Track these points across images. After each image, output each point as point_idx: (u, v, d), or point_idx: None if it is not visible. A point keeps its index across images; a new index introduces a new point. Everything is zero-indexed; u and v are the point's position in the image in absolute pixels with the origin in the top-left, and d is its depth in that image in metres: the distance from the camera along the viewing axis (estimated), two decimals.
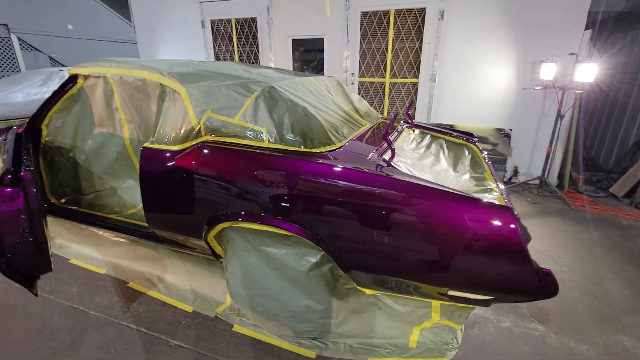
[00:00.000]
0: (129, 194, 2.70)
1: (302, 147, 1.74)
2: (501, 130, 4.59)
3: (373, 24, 4.87)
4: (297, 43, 5.41)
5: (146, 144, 1.92)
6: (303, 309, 1.81)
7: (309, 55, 5.62)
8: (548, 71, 3.86)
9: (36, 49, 10.79)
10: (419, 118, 4.97)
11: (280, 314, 1.87)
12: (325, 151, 1.75)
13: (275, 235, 1.72)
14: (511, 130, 4.55)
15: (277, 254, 1.74)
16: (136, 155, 2.54)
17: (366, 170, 1.58)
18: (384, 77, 5.04)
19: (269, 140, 1.75)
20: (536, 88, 4.07)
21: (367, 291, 1.78)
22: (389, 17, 4.75)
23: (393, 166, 1.70)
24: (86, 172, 2.66)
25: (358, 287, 1.76)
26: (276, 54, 5.50)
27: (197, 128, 1.83)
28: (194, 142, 1.83)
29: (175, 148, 1.87)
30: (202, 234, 1.87)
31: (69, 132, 2.53)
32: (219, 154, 1.75)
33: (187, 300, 2.27)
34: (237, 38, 5.69)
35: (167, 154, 1.86)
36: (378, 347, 1.91)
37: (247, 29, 5.56)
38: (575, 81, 3.67)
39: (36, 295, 1.76)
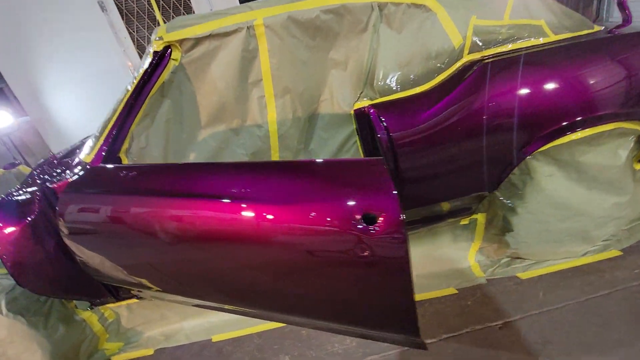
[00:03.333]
0: None
1: (588, 28, 1.48)
2: None
3: None
4: None
5: (362, 104, 1.35)
6: (609, 210, 1.65)
7: None
8: None
9: None
10: None
11: (581, 230, 1.67)
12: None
13: (596, 137, 1.47)
14: None
15: (592, 158, 1.51)
16: (282, 145, 1.71)
17: None
18: None
19: (552, 32, 1.43)
20: None
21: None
22: None
23: None
24: None
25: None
26: None
27: (460, 47, 1.35)
28: (452, 71, 1.36)
29: (424, 89, 1.36)
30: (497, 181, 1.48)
31: (157, 149, 1.56)
32: (527, 64, 1.34)
33: (431, 286, 1.83)
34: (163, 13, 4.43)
35: (414, 101, 1.35)
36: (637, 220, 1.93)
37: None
38: None
39: None
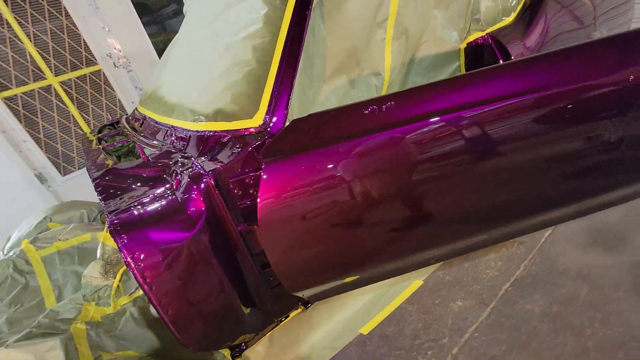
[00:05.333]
0: None
1: None
2: None
3: None
4: None
5: (473, 37, 1.55)
6: None
7: None
8: None
9: None
10: (130, 108, 3.84)
11: None
12: None
13: None
14: None
15: None
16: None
17: None
18: (44, 79, 3.32)
19: None
20: None
21: None
22: None
23: None
24: None
25: None
26: None
27: None
28: (524, 2, 1.71)
29: (514, 17, 1.67)
30: None
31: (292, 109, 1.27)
32: None
33: None
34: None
35: (516, 26, 1.64)
36: None
37: None
38: None
39: None
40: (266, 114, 1.01)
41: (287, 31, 1.07)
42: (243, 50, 1.12)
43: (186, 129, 1.14)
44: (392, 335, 1.57)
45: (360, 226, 0.98)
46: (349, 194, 0.93)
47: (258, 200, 0.88)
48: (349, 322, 1.65)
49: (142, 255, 0.81)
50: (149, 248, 0.82)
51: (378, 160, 0.93)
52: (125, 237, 0.81)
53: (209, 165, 0.95)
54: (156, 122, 1.37)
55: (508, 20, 1.63)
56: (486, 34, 1.55)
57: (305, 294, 1.14)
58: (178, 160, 1.02)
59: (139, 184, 0.99)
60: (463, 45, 1.64)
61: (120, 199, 0.94)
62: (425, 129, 0.93)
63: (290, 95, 1.04)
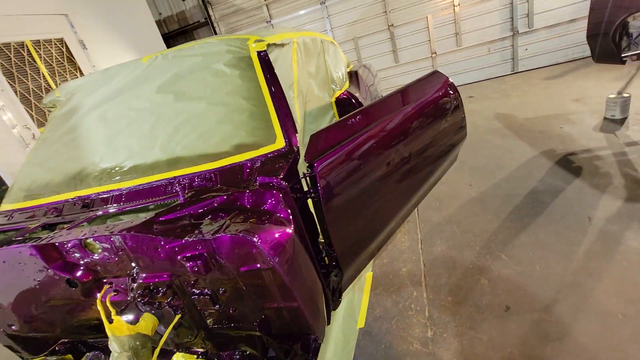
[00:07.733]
0: None
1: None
2: None
3: (11, 60, 3.74)
4: None
5: (337, 94, 2.45)
6: None
7: None
8: None
9: None
10: None
11: None
12: None
13: None
14: None
15: None
16: None
17: None
18: None
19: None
20: None
21: None
22: (28, 49, 3.91)
23: None
24: None
25: None
26: None
27: (346, 64, 2.71)
28: (347, 75, 2.74)
29: (347, 84, 2.65)
30: None
31: None
32: None
33: None
34: None
35: (352, 89, 2.62)
36: None
37: None
38: None
39: None
40: (284, 137, 1.27)
41: (266, 81, 1.41)
42: (234, 101, 1.35)
43: (207, 170, 1.18)
44: (382, 314, 1.88)
45: (383, 183, 1.38)
46: (372, 161, 1.34)
47: (319, 186, 1.11)
48: (344, 328, 1.83)
49: (279, 251, 0.84)
50: (280, 245, 0.86)
51: (373, 144, 1.38)
52: (259, 238, 0.82)
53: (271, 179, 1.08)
54: (133, 187, 1.24)
55: (347, 84, 2.54)
56: (344, 90, 2.36)
57: (351, 270, 1.35)
58: (228, 188, 1.06)
59: (204, 216, 0.96)
60: (333, 99, 2.40)
61: (198, 230, 0.89)
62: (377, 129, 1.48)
63: (293, 121, 1.35)
